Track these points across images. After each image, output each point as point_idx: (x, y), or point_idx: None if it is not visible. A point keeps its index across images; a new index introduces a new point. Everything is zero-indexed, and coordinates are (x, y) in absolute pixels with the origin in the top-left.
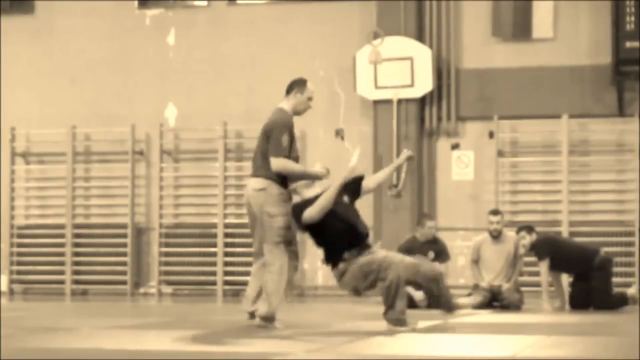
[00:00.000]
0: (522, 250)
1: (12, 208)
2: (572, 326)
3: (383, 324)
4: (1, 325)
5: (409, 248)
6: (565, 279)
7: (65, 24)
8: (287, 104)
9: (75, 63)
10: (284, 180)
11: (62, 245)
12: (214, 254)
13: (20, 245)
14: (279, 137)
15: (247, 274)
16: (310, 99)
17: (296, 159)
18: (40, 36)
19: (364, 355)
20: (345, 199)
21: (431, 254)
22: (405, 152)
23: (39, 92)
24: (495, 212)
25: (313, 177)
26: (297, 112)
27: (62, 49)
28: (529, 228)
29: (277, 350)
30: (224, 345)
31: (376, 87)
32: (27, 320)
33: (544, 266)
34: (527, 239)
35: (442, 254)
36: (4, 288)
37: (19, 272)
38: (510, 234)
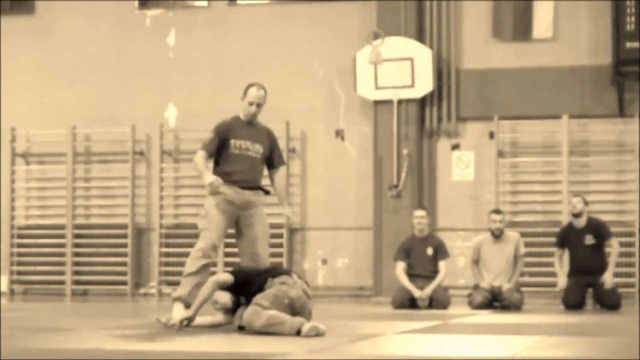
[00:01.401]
0: (522, 250)
1: (13, 208)
2: (572, 327)
3: (383, 325)
4: (1, 325)
5: (408, 246)
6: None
7: (65, 25)
8: (241, 110)
9: (75, 63)
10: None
11: (62, 245)
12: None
13: (20, 245)
14: (209, 134)
15: None
16: (251, 103)
17: (238, 157)
18: (40, 36)
19: (364, 355)
20: None
21: (429, 250)
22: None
23: (39, 92)
24: (497, 212)
25: (203, 175)
26: (247, 117)
27: (63, 49)
28: (585, 199)
29: (278, 351)
30: (224, 346)
31: (376, 87)
32: (27, 321)
33: (616, 242)
34: (582, 206)
35: (440, 251)
36: (4, 288)
37: (19, 273)
38: (511, 234)
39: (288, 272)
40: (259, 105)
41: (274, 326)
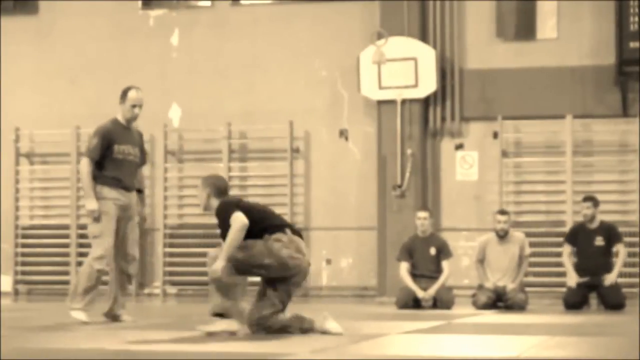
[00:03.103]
0: (527, 251)
1: (17, 208)
2: (576, 327)
3: (387, 325)
4: (1, 325)
5: (411, 247)
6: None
7: (68, 25)
8: (119, 113)
9: (78, 63)
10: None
11: (66, 245)
12: None
13: (24, 245)
14: (90, 140)
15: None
16: (134, 106)
17: (122, 162)
18: (43, 36)
19: (368, 355)
20: None
21: (432, 250)
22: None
23: (42, 92)
24: (503, 212)
25: (87, 196)
26: (128, 120)
27: (66, 49)
28: (596, 201)
29: (281, 351)
30: (227, 346)
31: (380, 87)
32: (30, 320)
33: (624, 248)
34: (591, 211)
35: (443, 250)
36: (9, 288)
37: (23, 273)
38: (516, 234)
39: (283, 228)
40: (140, 107)
41: (291, 327)
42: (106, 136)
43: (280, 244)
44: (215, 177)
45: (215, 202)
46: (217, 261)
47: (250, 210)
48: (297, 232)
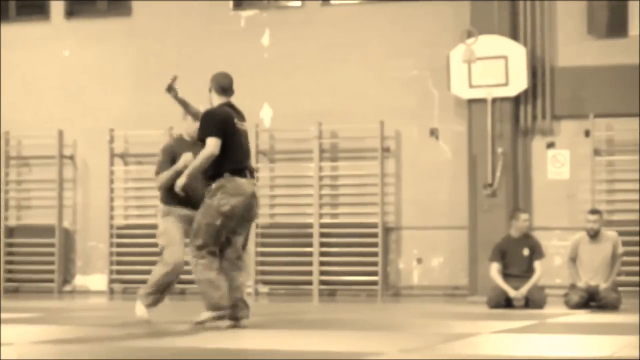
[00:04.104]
0: (620, 250)
1: (111, 208)
2: None
3: (479, 324)
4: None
5: (504, 248)
6: None
7: (161, 26)
8: (182, 130)
9: (171, 64)
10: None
11: None
12: (310, 254)
13: (119, 245)
14: (160, 157)
15: (343, 273)
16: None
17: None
18: (137, 38)
19: (459, 355)
20: None
21: (526, 251)
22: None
23: (136, 93)
24: (593, 212)
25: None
26: (192, 136)
27: (159, 50)
28: None
29: (371, 350)
30: (316, 344)
31: (470, 86)
32: (120, 318)
33: None
34: None
35: (536, 251)
36: (104, 287)
37: (118, 272)
38: (609, 233)
39: (222, 174)
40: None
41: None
42: (170, 153)
43: (220, 196)
44: (221, 74)
45: (215, 99)
46: (181, 178)
47: (227, 137)
48: (238, 172)
